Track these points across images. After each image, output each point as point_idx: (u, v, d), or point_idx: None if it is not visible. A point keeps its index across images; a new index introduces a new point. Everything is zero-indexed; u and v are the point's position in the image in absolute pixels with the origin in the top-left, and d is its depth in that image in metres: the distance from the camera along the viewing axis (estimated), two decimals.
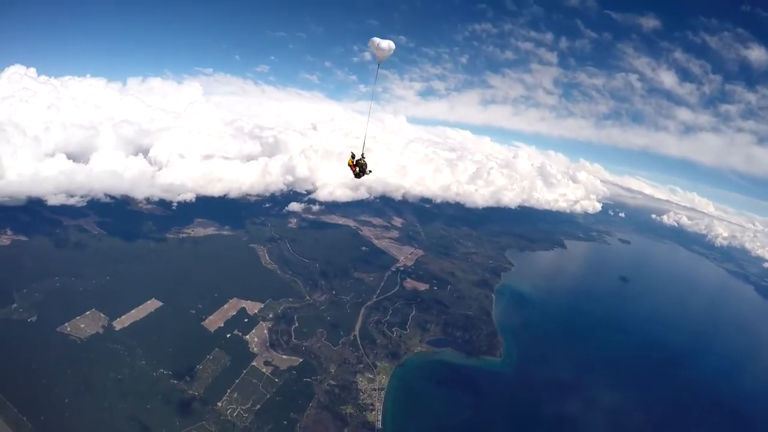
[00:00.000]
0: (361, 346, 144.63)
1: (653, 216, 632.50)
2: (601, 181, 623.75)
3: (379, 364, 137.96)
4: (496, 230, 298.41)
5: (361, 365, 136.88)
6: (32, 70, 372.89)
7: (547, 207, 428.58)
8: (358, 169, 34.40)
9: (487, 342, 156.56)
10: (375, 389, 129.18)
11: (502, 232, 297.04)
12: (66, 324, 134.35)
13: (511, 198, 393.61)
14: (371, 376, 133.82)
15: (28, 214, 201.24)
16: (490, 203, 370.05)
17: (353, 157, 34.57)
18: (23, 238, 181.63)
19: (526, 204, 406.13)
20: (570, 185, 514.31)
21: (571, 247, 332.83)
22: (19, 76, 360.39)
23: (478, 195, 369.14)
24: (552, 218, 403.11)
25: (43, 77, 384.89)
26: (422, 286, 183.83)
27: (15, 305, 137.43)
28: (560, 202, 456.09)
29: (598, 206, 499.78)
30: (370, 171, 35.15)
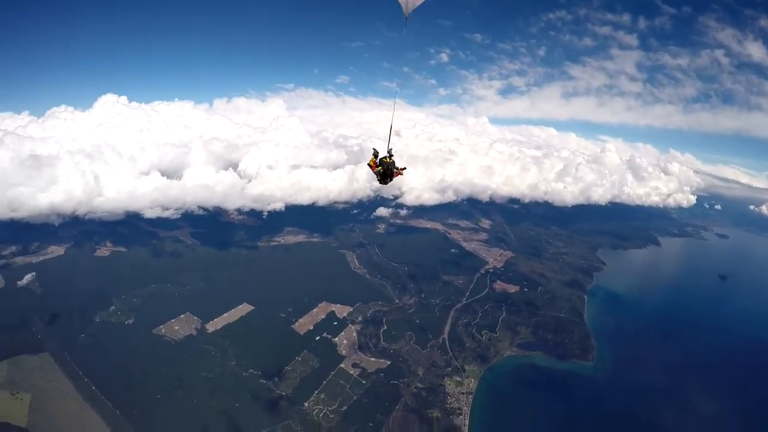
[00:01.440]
0: (449, 349, 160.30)
1: (752, 207, 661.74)
2: (694, 171, 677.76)
3: (467, 367, 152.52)
4: (586, 228, 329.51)
5: (450, 368, 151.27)
6: (123, 98, 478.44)
7: (638, 202, 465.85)
8: (381, 170, 31.94)
9: (579, 345, 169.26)
10: (463, 393, 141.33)
11: (592, 231, 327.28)
12: (161, 326, 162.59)
13: (600, 194, 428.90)
14: (459, 379, 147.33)
15: (127, 227, 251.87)
16: (580, 200, 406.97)
17: (376, 156, 32.48)
18: (122, 249, 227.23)
19: (617, 200, 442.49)
20: (662, 178, 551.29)
21: (666, 244, 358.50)
22: (112, 104, 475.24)
23: (567, 192, 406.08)
24: (644, 214, 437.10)
25: (134, 103, 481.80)
26: (512, 288, 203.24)
27: (113, 308, 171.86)
28: (652, 196, 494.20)
29: (693, 199, 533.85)
30: (404, 170, 32.58)
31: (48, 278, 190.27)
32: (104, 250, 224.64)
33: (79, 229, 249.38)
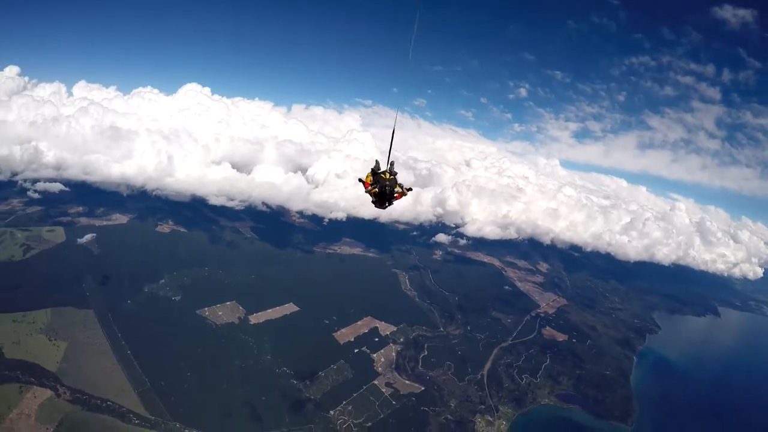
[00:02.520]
0: (486, 387, 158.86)
1: None
2: (764, 243, 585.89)
3: (501, 408, 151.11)
4: (645, 287, 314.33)
5: (483, 406, 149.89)
6: (207, 89, 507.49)
7: (703, 267, 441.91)
8: (377, 190, 24.56)
9: (620, 407, 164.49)
10: None
11: (651, 290, 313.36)
12: (206, 308, 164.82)
13: (665, 254, 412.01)
14: (491, 419, 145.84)
15: (191, 210, 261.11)
16: (643, 257, 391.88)
17: (374, 173, 25.43)
18: (182, 230, 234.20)
19: (681, 262, 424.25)
20: (730, 245, 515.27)
21: (726, 315, 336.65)
22: (195, 93, 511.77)
23: (631, 247, 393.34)
24: (707, 280, 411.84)
25: (216, 96, 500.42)
26: (560, 336, 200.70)
27: (163, 282, 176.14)
28: (718, 263, 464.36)
29: (760, 272, 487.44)
30: (409, 190, 25.41)
31: (107, 242, 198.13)
32: (165, 227, 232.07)
33: (145, 203, 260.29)
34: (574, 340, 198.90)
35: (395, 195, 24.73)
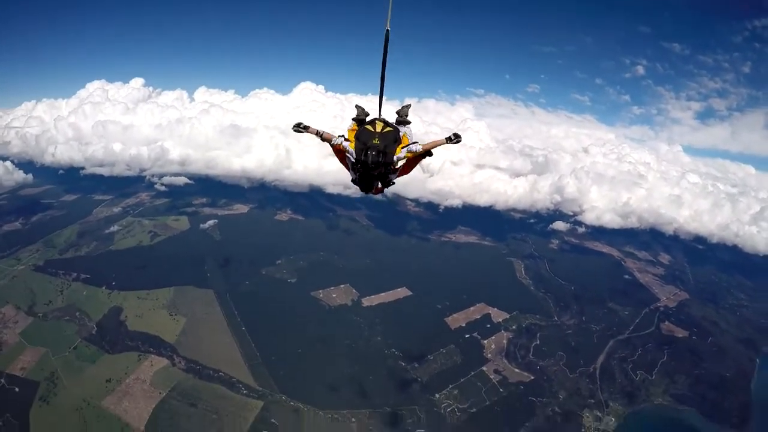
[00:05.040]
0: (598, 380, 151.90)
1: None
2: None
3: (612, 404, 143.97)
4: None
5: (593, 400, 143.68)
6: (321, 87, 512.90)
7: None
8: (358, 159, 14.52)
9: (738, 413, 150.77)
10: (599, 430, 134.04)
11: None
12: (320, 290, 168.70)
13: None
14: (599, 414, 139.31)
15: (308, 200, 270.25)
16: None
17: (360, 122, 15.75)
18: (300, 218, 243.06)
19: None
20: None
21: None
22: (310, 91, 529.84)
23: (760, 239, 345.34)
24: None
25: (330, 93, 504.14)
26: (680, 333, 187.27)
27: (279, 262, 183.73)
28: None
29: None
30: (453, 140, 15.20)
31: (228, 229, 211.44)
32: (283, 216, 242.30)
33: (264, 194, 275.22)
34: (694, 337, 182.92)
35: (394, 163, 14.58)
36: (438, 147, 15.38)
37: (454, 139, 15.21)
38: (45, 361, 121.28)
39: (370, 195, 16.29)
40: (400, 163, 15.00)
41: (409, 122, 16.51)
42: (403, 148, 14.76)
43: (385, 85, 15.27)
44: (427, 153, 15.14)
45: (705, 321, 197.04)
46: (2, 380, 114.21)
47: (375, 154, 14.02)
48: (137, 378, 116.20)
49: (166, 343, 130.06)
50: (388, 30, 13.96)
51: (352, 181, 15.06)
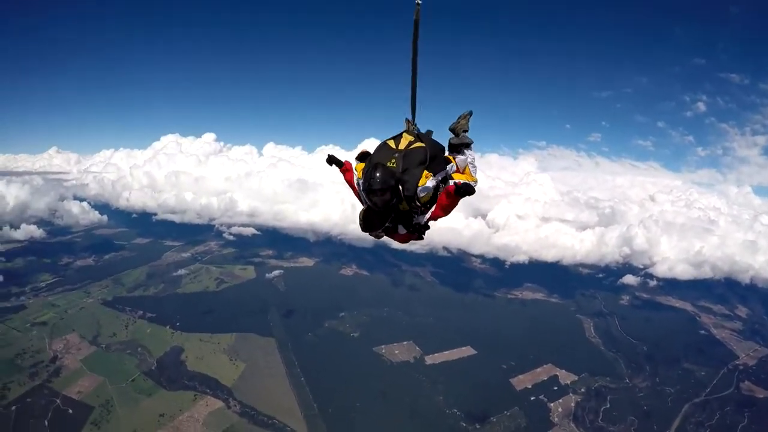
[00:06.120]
0: None
1: None
2: None
3: None
4: None
5: None
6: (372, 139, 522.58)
7: None
8: (366, 187, 9.67)
9: None
10: None
11: None
12: (382, 346, 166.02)
13: None
14: None
15: (373, 255, 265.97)
16: None
17: (363, 158, 11.00)
18: (365, 273, 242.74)
19: None
20: None
21: None
22: (374, 146, 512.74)
23: None
24: None
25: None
26: (761, 393, 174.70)
27: (343, 315, 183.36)
28: None
29: None
30: (463, 190, 9.68)
31: (293, 281, 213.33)
32: (348, 270, 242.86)
33: (330, 248, 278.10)
34: None
35: (418, 196, 9.70)
36: (472, 179, 10.84)
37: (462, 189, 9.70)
38: (102, 389, 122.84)
39: (395, 241, 11.22)
40: (426, 197, 9.90)
41: (469, 142, 11.22)
42: (434, 176, 9.84)
43: (417, 82, 10.36)
44: (467, 190, 9.79)
45: None
46: (58, 401, 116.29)
47: (381, 178, 9.46)
48: (191, 416, 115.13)
49: (224, 386, 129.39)
50: (418, 3, 9.92)
51: (360, 218, 10.29)
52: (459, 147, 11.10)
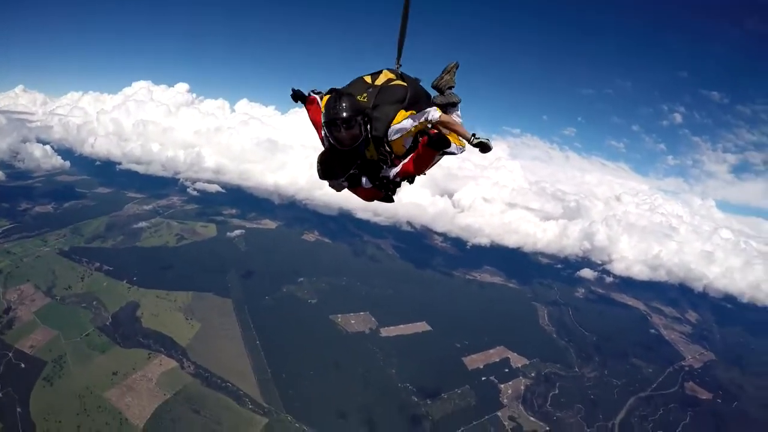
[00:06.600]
0: None
1: None
2: None
3: None
4: None
5: None
6: None
7: None
8: (328, 118, 8.48)
9: None
10: None
11: None
12: (339, 315, 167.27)
13: None
14: None
15: (336, 223, 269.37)
16: None
17: (352, 85, 9.51)
18: (327, 240, 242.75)
19: None
20: None
21: None
22: None
23: None
24: None
25: None
26: (704, 394, 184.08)
27: (301, 280, 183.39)
28: None
29: None
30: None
31: (254, 242, 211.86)
32: (310, 236, 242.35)
33: (294, 212, 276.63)
34: (719, 400, 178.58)
35: (388, 139, 8.76)
36: (458, 143, 9.08)
37: (481, 148, 8.46)
38: (55, 343, 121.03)
39: (358, 197, 10.48)
40: (399, 144, 9.00)
41: (456, 101, 9.84)
42: (409, 117, 8.55)
43: (409, 14, 8.91)
44: (442, 142, 8.57)
45: (731, 384, 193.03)
46: (10, 354, 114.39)
47: (348, 106, 8.25)
48: (144, 375, 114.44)
49: (178, 345, 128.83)
50: None
51: (319, 163, 9.43)
52: (444, 107, 9.46)
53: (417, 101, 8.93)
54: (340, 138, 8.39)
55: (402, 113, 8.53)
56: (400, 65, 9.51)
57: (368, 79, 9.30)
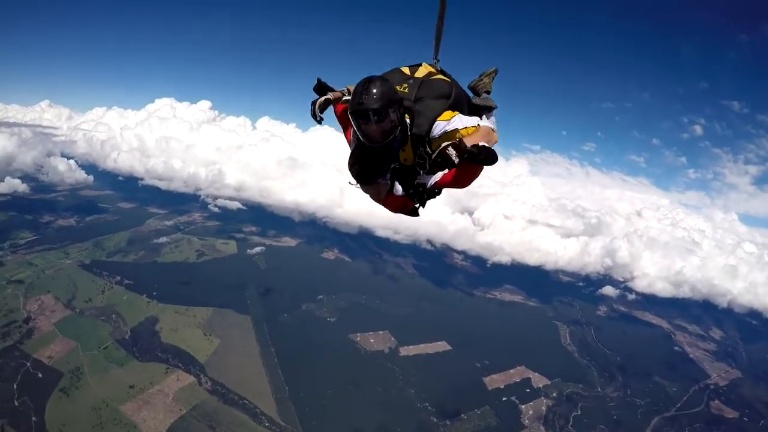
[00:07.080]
0: None
1: None
2: None
3: None
4: None
5: None
6: None
7: None
8: (357, 108, 6.89)
9: None
10: None
11: None
12: (358, 334, 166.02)
13: None
14: None
15: (356, 242, 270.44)
16: None
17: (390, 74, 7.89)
18: (346, 258, 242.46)
19: None
20: None
21: None
22: None
23: None
24: None
25: None
26: (730, 413, 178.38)
27: (321, 298, 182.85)
28: None
29: None
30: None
31: (274, 260, 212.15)
32: (330, 254, 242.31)
33: (314, 230, 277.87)
34: (745, 419, 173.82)
35: (430, 140, 7.23)
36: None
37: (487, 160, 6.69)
38: (73, 354, 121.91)
39: (386, 207, 8.98)
40: (442, 150, 7.08)
41: (493, 106, 8.47)
42: (453, 118, 7.16)
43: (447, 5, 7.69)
44: (486, 155, 6.59)
45: (757, 402, 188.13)
46: (28, 364, 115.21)
47: (380, 92, 6.77)
48: (161, 390, 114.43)
49: (196, 361, 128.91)
50: None
51: (349, 165, 7.83)
52: (480, 110, 8.42)
53: (460, 101, 7.83)
54: (369, 132, 7.00)
55: (449, 112, 7.24)
56: (438, 60, 8.37)
57: (406, 70, 8.02)
